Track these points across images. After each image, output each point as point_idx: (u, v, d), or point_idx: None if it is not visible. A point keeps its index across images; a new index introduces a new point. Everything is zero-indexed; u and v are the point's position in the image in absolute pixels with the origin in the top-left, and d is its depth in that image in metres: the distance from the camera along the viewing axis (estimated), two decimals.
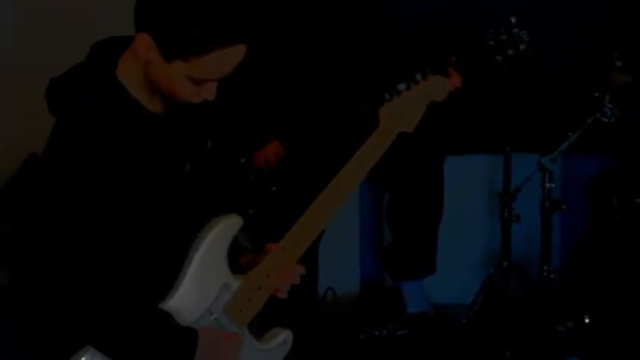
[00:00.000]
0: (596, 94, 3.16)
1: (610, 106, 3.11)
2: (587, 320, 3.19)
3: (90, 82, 2.00)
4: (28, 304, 1.98)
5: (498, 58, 3.09)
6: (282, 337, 2.23)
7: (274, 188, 3.28)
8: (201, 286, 2.07)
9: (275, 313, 2.24)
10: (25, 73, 3.27)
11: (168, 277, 2.05)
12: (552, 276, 3.34)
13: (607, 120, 3.12)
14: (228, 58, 1.91)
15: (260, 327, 2.23)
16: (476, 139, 3.81)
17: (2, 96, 3.43)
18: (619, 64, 3.17)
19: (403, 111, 2.21)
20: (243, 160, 3.22)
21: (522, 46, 3.07)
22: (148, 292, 2.03)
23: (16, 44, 3.57)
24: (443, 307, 3.72)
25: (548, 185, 3.27)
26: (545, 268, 3.35)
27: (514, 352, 3.25)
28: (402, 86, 2.20)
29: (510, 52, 3.08)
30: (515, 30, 3.06)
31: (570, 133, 3.18)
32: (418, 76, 2.21)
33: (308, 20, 3.36)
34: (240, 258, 2.23)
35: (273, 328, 2.24)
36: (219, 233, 2.08)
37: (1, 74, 3.55)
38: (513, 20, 3.07)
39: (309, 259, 3.50)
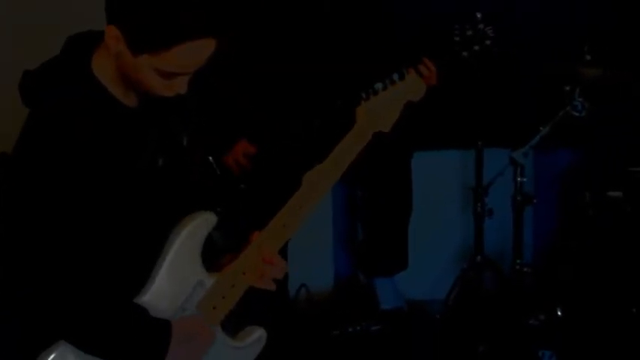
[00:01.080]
0: (567, 88, 3.18)
1: (580, 99, 3.14)
2: (559, 313, 3.21)
3: (66, 74, 2.00)
4: (13, 303, 1.97)
5: (464, 54, 3.12)
6: (257, 335, 2.22)
7: (243, 186, 3.28)
8: (174, 282, 2.06)
9: (247, 310, 2.25)
10: None
11: (142, 272, 2.04)
12: (525, 270, 3.36)
13: (577, 114, 3.15)
14: (196, 51, 1.89)
15: (234, 325, 2.23)
16: (447, 135, 3.85)
17: None
18: (588, 57, 3.20)
19: (380, 110, 2.20)
20: (210, 158, 3.22)
21: (488, 42, 3.11)
22: (122, 285, 2.01)
23: None
24: (417, 303, 3.74)
25: (519, 179, 3.29)
26: (518, 262, 3.37)
27: (488, 346, 3.28)
28: (378, 86, 2.19)
29: (476, 47, 3.11)
30: (481, 26, 3.09)
31: (541, 128, 3.20)
32: (395, 76, 2.20)
33: (306, 20, 3.38)
34: (214, 255, 2.20)
35: (247, 326, 2.22)
36: (193, 230, 2.07)
37: None
38: (479, 16, 3.10)
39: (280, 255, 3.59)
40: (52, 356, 1.93)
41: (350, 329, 3.46)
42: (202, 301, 2.08)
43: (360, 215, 3.72)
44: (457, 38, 3.14)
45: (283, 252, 3.46)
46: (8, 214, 1.96)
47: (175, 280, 2.05)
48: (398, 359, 3.41)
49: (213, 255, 2.19)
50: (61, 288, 1.94)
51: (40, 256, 1.93)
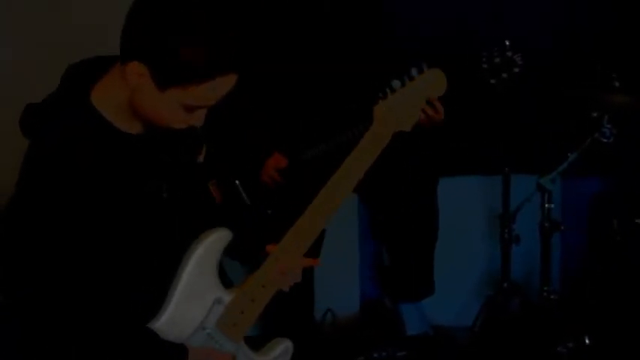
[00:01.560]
0: (595, 115, 3.17)
1: (609, 126, 3.12)
2: (587, 341, 3.19)
3: (65, 106, 1.99)
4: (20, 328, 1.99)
5: (493, 81, 3.09)
6: (283, 347, 2.20)
7: (270, 212, 3.28)
8: (191, 301, 2.05)
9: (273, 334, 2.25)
10: None
11: (158, 296, 2.04)
12: (552, 297, 3.34)
13: (606, 140, 3.13)
14: (223, 86, 1.91)
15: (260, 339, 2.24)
16: (474, 161, 3.83)
17: None
18: (617, 84, 3.17)
19: (399, 109, 2.08)
20: (237, 182, 3.23)
21: (516, 69, 3.07)
22: (138, 311, 2.02)
23: None
24: (443, 329, 3.72)
25: (547, 206, 3.27)
26: (545, 288, 3.35)
27: None
28: (396, 83, 2.07)
29: (505, 75, 3.07)
30: (509, 53, 3.06)
31: (569, 154, 3.18)
32: (414, 71, 2.08)
33: (308, 22, 3.38)
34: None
35: (272, 339, 2.22)
36: (207, 247, 2.06)
37: None
38: (507, 43, 3.06)
39: (305, 280, 3.58)
40: None
41: (375, 355, 3.44)
42: (222, 318, 2.07)
43: (386, 240, 3.70)
44: (485, 65, 3.10)
45: (309, 276, 3.51)
46: (14, 249, 1.96)
47: (192, 299, 2.05)
48: None
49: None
50: (72, 320, 1.94)
51: (50, 289, 1.92)
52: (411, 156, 3.52)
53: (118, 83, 1.96)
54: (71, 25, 3.50)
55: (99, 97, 1.99)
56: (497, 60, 3.07)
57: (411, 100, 2.08)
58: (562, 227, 3.32)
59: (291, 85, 3.40)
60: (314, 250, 3.52)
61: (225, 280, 2.16)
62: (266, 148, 3.36)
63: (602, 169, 3.55)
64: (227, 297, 2.07)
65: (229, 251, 2.18)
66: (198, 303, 2.07)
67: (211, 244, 2.06)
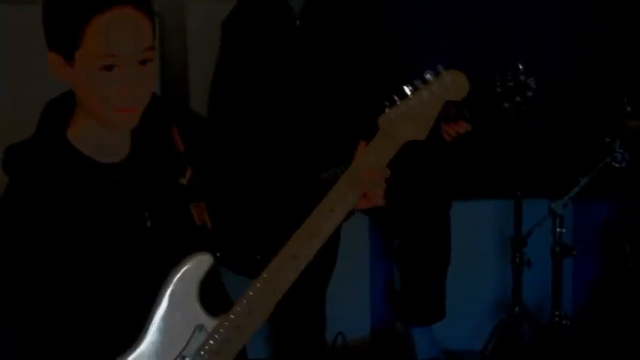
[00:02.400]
0: (607, 139, 3.19)
1: (621, 151, 3.14)
2: None
3: (41, 144, 1.99)
4: None
5: (506, 105, 3.13)
6: None
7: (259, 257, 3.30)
8: (169, 329, 2.01)
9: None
10: None
11: (138, 326, 2.01)
12: (564, 322, 3.35)
13: (618, 165, 3.15)
14: (114, 26, 1.87)
15: None
16: (486, 185, 3.85)
17: None
18: (629, 109, 3.18)
19: (409, 115, 1.91)
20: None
21: (530, 93, 3.11)
22: (116, 344, 1.99)
23: None
24: (455, 353, 3.73)
25: (559, 230, 3.29)
26: (557, 313, 3.36)
27: None
28: (407, 89, 1.90)
29: (518, 98, 3.11)
30: (523, 77, 3.10)
31: (581, 179, 3.20)
32: (428, 75, 1.89)
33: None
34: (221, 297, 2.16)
35: None
36: (185, 274, 2.01)
37: None
38: (521, 67, 3.10)
39: (317, 303, 3.55)
40: None
41: None
42: (204, 345, 2.01)
43: (398, 264, 3.68)
44: (499, 89, 3.14)
45: (321, 299, 3.55)
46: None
47: (170, 326, 2.01)
48: None
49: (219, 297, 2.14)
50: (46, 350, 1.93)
51: (27, 322, 1.92)
52: (425, 179, 3.54)
53: (78, 110, 1.98)
54: None
55: (74, 131, 2.00)
56: (510, 84, 3.13)
57: (426, 105, 1.91)
58: (574, 252, 3.33)
59: (310, 102, 3.39)
60: (324, 274, 3.53)
61: (223, 299, 2.13)
62: (285, 168, 3.34)
63: (614, 193, 3.57)
64: (210, 323, 2.01)
65: (233, 269, 2.17)
66: (177, 331, 2.02)
67: (188, 273, 2.00)
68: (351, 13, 3.43)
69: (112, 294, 2.00)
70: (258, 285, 1.97)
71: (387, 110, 1.90)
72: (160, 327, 1.99)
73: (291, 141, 3.38)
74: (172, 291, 1.99)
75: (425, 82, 1.87)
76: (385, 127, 1.91)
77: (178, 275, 1.98)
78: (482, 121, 3.19)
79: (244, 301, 1.98)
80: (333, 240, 3.42)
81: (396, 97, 1.89)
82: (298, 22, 3.38)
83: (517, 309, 3.49)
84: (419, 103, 1.89)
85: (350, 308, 3.79)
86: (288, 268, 1.96)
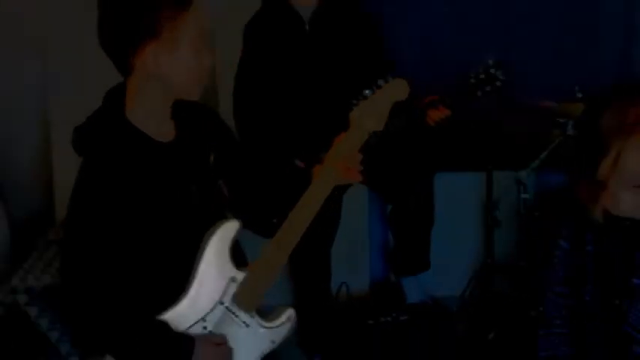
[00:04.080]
0: (561, 121, 3.40)
1: (574, 130, 3.33)
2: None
3: (106, 126, 2.10)
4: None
5: (478, 93, 3.29)
6: (286, 315, 2.30)
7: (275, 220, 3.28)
8: (210, 281, 2.15)
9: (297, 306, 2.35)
10: None
11: (183, 276, 2.14)
12: (527, 271, 3.57)
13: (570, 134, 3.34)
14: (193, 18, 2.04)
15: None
16: (464, 159, 4.02)
17: None
18: (579, 95, 3.41)
19: (371, 112, 2.18)
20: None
21: (498, 83, 3.27)
22: (166, 291, 2.14)
23: None
24: (439, 298, 3.88)
25: (523, 196, 3.48)
26: (522, 264, 3.59)
27: (496, 333, 3.46)
28: (367, 92, 2.20)
29: (488, 88, 3.28)
30: (492, 70, 3.27)
31: (541, 153, 3.43)
32: (381, 82, 2.20)
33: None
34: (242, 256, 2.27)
35: (275, 308, 2.31)
36: (221, 235, 2.16)
37: None
38: (490, 62, 3.27)
39: (324, 260, 3.74)
40: None
41: (382, 319, 3.57)
42: (236, 293, 2.19)
43: (391, 226, 3.86)
44: (472, 80, 3.28)
45: (327, 256, 3.78)
46: (71, 243, 2.11)
47: (210, 279, 2.16)
48: (422, 344, 3.53)
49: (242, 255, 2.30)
50: (104, 306, 2.08)
51: (96, 276, 2.06)
52: (413, 155, 3.73)
53: (135, 89, 2.08)
54: None
55: (131, 111, 2.11)
56: (482, 76, 3.29)
57: (381, 104, 2.20)
58: (536, 214, 3.51)
59: (305, 91, 3.53)
60: (329, 236, 3.73)
61: (243, 259, 2.28)
62: (283, 154, 3.47)
63: (568, 164, 3.32)
64: (239, 276, 2.18)
65: (254, 231, 2.31)
66: (216, 282, 2.16)
67: (224, 233, 2.16)
68: (348, 22, 3.59)
69: (166, 251, 2.15)
70: (273, 244, 2.20)
71: (354, 108, 2.20)
72: (203, 278, 2.15)
73: (298, 131, 3.53)
74: (212, 249, 2.15)
75: (378, 86, 2.21)
76: (355, 120, 2.20)
77: (213, 237, 2.15)
78: (460, 107, 3.37)
79: (260, 262, 2.21)
80: (336, 206, 3.74)
81: (361, 97, 2.20)
82: (307, 28, 3.55)
83: (489, 261, 3.70)
84: (377, 102, 2.20)
85: (352, 264, 3.96)
86: (292, 230, 2.18)
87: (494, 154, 3.65)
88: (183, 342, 2.13)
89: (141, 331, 2.11)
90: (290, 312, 2.30)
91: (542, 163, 3.45)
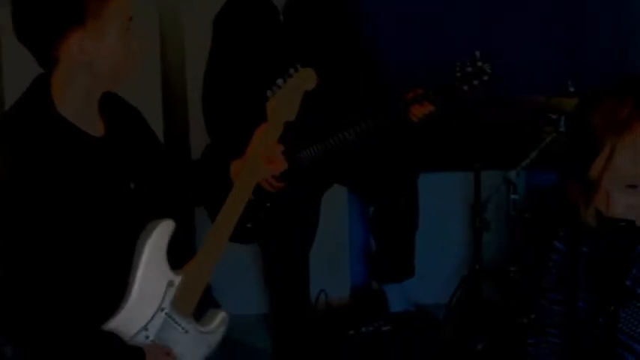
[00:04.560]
0: (553, 117, 3.34)
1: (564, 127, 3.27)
2: None
3: (33, 116, 2.05)
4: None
5: (465, 87, 3.25)
6: (220, 318, 2.31)
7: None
8: (150, 286, 2.13)
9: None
10: None
11: (120, 283, 2.10)
12: (518, 277, 3.47)
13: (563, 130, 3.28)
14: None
15: None
16: (449, 158, 3.98)
17: None
18: (572, 89, 3.35)
19: (285, 103, 2.25)
20: None
21: (485, 77, 3.23)
22: (100, 301, 2.08)
23: None
24: (424, 307, 3.84)
25: (512, 197, 3.42)
26: (512, 269, 3.50)
27: (485, 343, 3.39)
28: (280, 81, 2.26)
29: (475, 82, 3.24)
30: (480, 63, 3.23)
31: (531, 152, 3.35)
32: (291, 71, 2.27)
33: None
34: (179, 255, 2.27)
35: (208, 311, 2.32)
36: (157, 238, 2.14)
37: None
38: (477, 54, 3.24)
39: (301, 265, 3.67)
40: None
41: (364, 329, 3.54)
42: (174, 298, 2.17)
43: (373, 229, 3.81)
44: (458, 74, 3.24)
45: (305, 261, 3.68)
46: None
47: (150, 284, 2.13)
48: (405, 356, 3.49)
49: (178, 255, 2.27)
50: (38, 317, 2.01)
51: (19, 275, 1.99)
52: (396, 154, 3.70)
53: (62, 81, 2.05)
54: None
55: (59, 101, 2.06)
56: (469, 69, 3.24)
57: (292, 94, 2.27)
58: (526, 215, 3.44)
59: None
60: (307, 240, 3.65)
61: (175, 262, 2.24)
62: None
63: (558, 164, 3.44)
64: (177, 279, 2.18)
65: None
66: (155, 287, 2.14)
67: (160, 234, 2.14)
68: (325, 9, 3.53)
69: (106, 253, 2.10)
70: (205, 244, 2.22)
71: (270, 98, 2.27)
72: (143, 283, 2.11)
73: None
74: (146, 255, 2.12)
75: (290, 76, 2.27)
76: (271, 112, 2.27)
77: (149, 240, 2.12)
78: (446, 102, 3.32)
79: (198, 257, 2.21)
80: (314, 208, 3.65)
81: (275, 87, 2.26)
82: (282, 18, 3.48)
83: (477, 266, 3.61)
84: (289, 92, 2.27)
85: (331, 270, 3.92)
86: (225, 224, 2.22)
87: (482, 152, 3.59)
88: (134, 354, 2.09)
89: (87, 344, 2.07)
90: (223, 315, 2.31)
91: (533, 161, 3.38)
